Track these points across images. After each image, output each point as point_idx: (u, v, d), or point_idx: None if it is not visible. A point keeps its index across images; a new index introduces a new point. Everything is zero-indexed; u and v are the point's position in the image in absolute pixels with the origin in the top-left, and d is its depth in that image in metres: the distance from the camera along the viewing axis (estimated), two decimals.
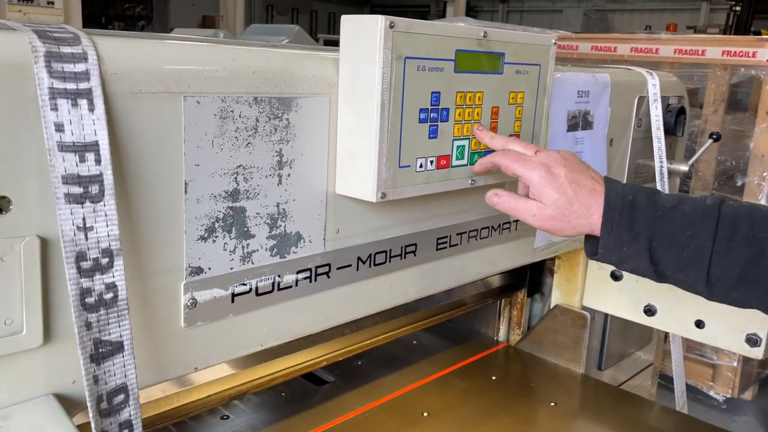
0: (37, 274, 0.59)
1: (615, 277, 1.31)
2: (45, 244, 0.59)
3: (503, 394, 1.25)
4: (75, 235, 0.57)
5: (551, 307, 1.47)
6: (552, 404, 1.22)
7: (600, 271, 1.34)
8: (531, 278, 1.50)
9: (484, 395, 1.24)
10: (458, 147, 0.88)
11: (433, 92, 0.82)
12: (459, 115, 0.86)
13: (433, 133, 0.84)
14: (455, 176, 0.89)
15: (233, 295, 0.76)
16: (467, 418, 1.16)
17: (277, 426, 1.11)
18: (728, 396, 2.43)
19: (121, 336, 0.61)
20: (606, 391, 1.33)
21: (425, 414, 1.16)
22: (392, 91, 0.77)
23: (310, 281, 0.84)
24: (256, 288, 0.78)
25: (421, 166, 0.84)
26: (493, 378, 1.31)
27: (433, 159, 0.85)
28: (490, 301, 1.46)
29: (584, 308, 1.38)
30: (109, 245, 0.60)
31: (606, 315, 1.43)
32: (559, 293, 1.42)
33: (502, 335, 1.51)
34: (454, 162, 0.88)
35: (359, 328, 1.19)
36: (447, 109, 0.85)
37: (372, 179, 0.79)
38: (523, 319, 1.50)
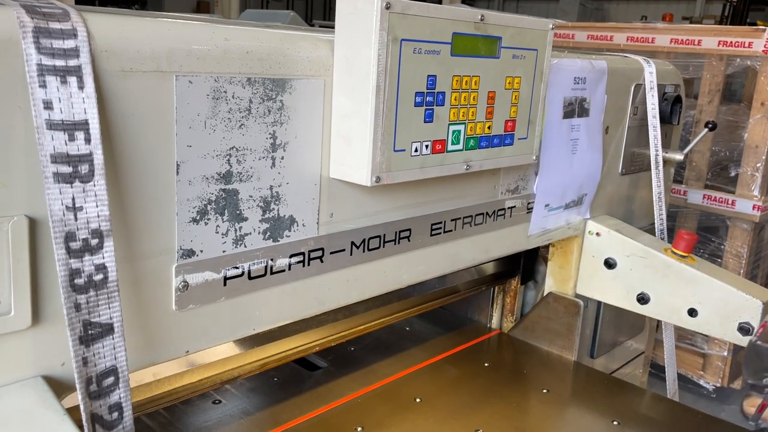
0: (25, 255, 0.58)
1: (609, 264, 1.32)
2: (33, 225, 0.58)
3: (496, 381, 1.25)
4: (64, 215, 0.56)
5: (544, 294, 1.47)
6: (544, 391, 1.22)
7: (593, 259, 1.34)
8: (524, 266, 1.50)
9: (476, 381, 1.24)
10: (454, 132, 0.87)
11: (429, 76, 0.81)
12: (455, 100, 0.85)
13: (429, 117, 0.83)
14: (450, 161, 0.88)
15: (225, 279, 0.75)
16: (460, 403, 1.16)
17: (269, 411, 1.11)
18: (718, 385, 2.45)
19: (111, 318, 0.60)
20: (598, 378, 1.34)
21: (418, 399, 1.16)
22: (388, 74, 0.76)
23: (303, 265, 0.83)
24: (249, 271, 0.77)
25: (416, 151, 0.83)
26: (486, 365, 1.31)
27: (429, 143, 0.84)
28: (484, 288, 1.46)
29: (577, 296, 1.38)
30: (99, 226, 0.59)
31: (599, 303, 1.44)
32: (552, 281, 1.42)
33: (495, 322, 1.51)
34: (450, 147, 0.87)
35: (352, 313, 1.18)
36: (443, 93, 0.84)
37: (366, 163, 0.78)
38: (516, 306, 1.50)
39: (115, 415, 0.61)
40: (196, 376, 0.96)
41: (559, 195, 1.24)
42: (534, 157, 1.03)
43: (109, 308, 0.60)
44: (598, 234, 1.33)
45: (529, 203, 1.18)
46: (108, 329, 0.60)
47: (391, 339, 1.42)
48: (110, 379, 0.60)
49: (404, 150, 0.81)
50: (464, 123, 0.88)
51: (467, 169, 0.91)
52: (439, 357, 1.35)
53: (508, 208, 1.14)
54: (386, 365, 1.30)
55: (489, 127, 0.92)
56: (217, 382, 0.99)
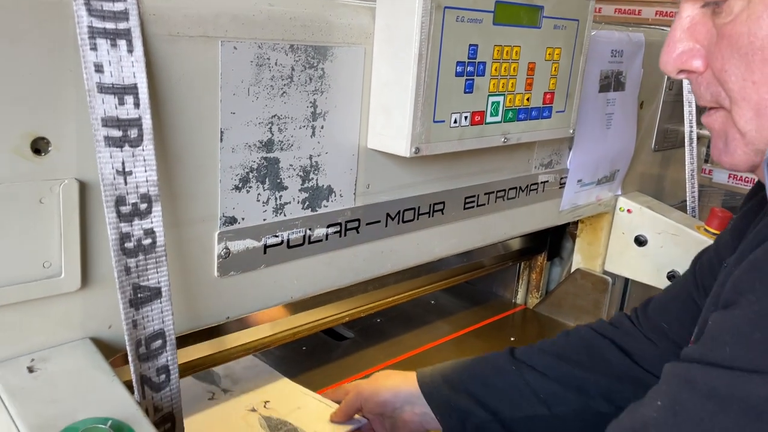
0: (75, 218, 0.58)
1: (639, 242, 1.30)
2: (83, 188, 0.59)
3: None
4: (114, 179, 0.57)
5: (571, 271, 1.47)
6: None
7: (623, 236, 1.33)
8: (551, 242, 1.49)
9: None
10: (493, 103, 0.86)
11: (470, 45, 0.80)
12: (495, 70, 0.84)
13: (469, 88, 0.82)
14: (489, 133, 0.87)
15: (266, 247, 0.75)
16: None
17: (298, 379, 1.12)
18: None
19: (159, 282, 0.60)
20: None
21: None
22: (430, 42, 0.75)
23: (340, 236, 0.84)
24: (288, 240, 0.78)
25: (455, 122, 0.82)
26: (512, 339, 1.32)
27: (468, 114, 0.83)
28: (510, 263, 1.46)
29: (605, 273, 1.37)
30: (148, 191, 0.59)
31: (626, 281, 1.43)
32: (580, 257, 1.41)
33: (520, 298, 1.51)
34: (488, 118, 0.86)
35: (382, 285, 1.19)
36: (484, 63, 0.82)
37: (406, 134, 0.77)
38: (542, 282, 1.50)
39: (163, 377, 0.62)
40: (230, 343, 0.97)
41: (592, 170, 1.22)
42: (571, 131, 1.01)
43: (157, 272, 0.60)
44: (629, 211, 1.32)
45: (561, 178, 1.17)
46: (156, 293, 0.60)
47: (416, 312, 1.42)
48: (158, 342, 0.61)
49: (444, 121, 0.81)
50: (503, 94, 0.87)
51: (504, 142, 0.90)
52: (464, 331, 1.35)
53: (541, 182, 1.13)
54: (412, 338, 1.31)
55: (528, 99, 0.91)
56: (249, 349, 1.00)
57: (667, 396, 0.42)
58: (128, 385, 0.59)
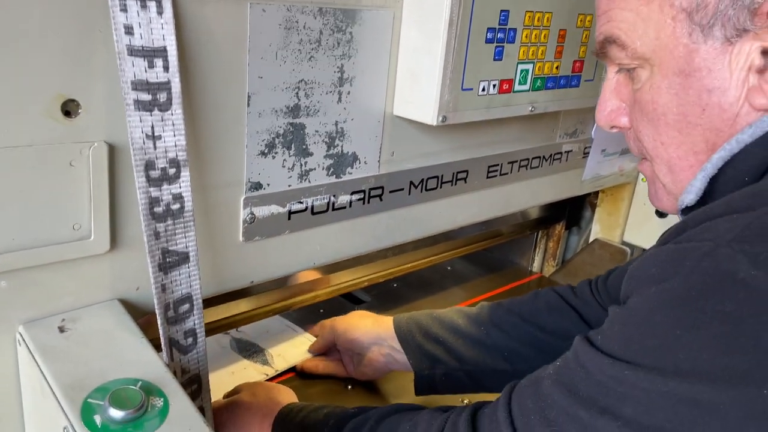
0: (105, 181, 0.58)
1: (660, 213, 1.29)
2: (112, 151, 0.59)
3: None
4: (144, 143, 0.56)
5: (588, 240, 1.46)
6: None
7: (645, 207, 1.32)
8: (570, 211, 1.48)
9: None
10: (522, 71, 0.84)
11: (502, 10, 0.78)
12: (526, 37, 0.82)
13: (499, 55, 0.80)
14: (516, 102, 0.86)
15: (290, 213, 0.75)
16: None
17: None
18: None
19: (186, 247, 0.61)
20: None
21: None
22: (461, 7, 0.73)
23: (364, 203, 0.83)
24: (312, 207, 0.77)
25: (483, 90, 0.81)
26: None
27: (496, 83, 0.82)
28: (529, 232, 1.45)
29: (624, 243, 1.37)
30: (176, 155, 0.59)
31: (643, 251, 1.42)
32: (599, 227, 1.40)
33: (536, 266, 1.51)
34: (517, 87, 0.85)
35: (401, 251, 1.19)
36: (514, 30, 0.80)
37: (434, 101, 0.76)
38: (559, 251, 1.50)
39: (190, 340, 0.63)
40: (253, 304, 0.98)
41: (616, 140, 1.20)
42: None
43: (185, 237, 0.60)
44: None
45: (585, 148, 1.15)
46: (184, 257, 0.61)
47: (433, 277, 1.43)
48: (186, 306, 0.62)
49: (471, 89, 0.79)
50: (533, 62, 0.85)
51: (532, 111, 0.88)
52: (479, 297, 1.36)
53: (565, 152, 1.11)
54: (427, 303, 1.32)
55: (557, 68, 0.89)
56: (270, 311, 1.01)
57: (563, 359, 0.52)
58: (154, 346, 0.60)
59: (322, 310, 1.23)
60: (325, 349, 1.01)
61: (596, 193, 1.39)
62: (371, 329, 0.95)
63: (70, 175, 0.57)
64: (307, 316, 1.20)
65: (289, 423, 0.71)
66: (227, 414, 0.76)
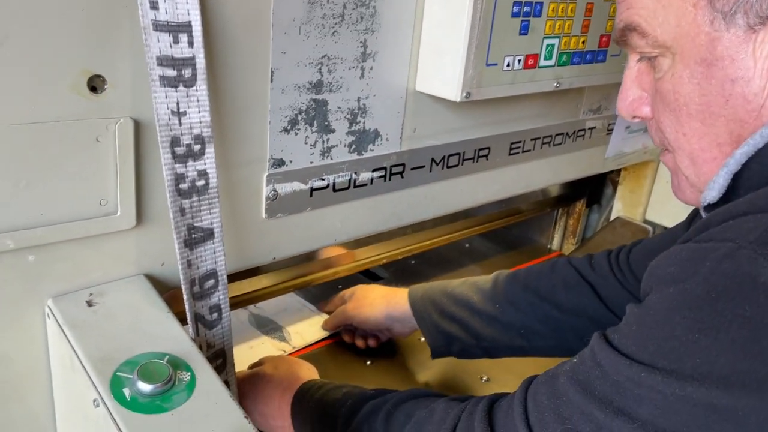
0: (131, 157, 0.59)
1: None
2: (137, 127, 0.59)
3: None
4: (169, 119, 0.56)
5: (609, 218, 1.45)
6: None
7: (668, 185, 1.30)
8: (591, 188, 1.47)
9: None
10: (548, 46, 0.82)
11: None
12: (552, 11, 0.81)
13: (524, 30, 0.79)
14: (541, 78, 0.84)
15: (312, 190, 0.75)
16: None
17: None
18: None
19: (211, 223, 0.61)
20: None
21: None
22: None
23: (385, 180, 0.83)
24: (334, 184, 0.77)
25: (508, 65, 0.79)
26: None
27: (521, 58, 0.80)
28: (549, 209, 1.44)
29: (646, 221, 1.35)
30: (201, 132, 0.59)
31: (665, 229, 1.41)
32: (621, 205, 1.39)
33: (555, 244, 1.50)
34: (542, 62, 0.83)
35: (420, 228, 1.19)
36: (541, 3, 0.79)
37: (458, 77, 0.75)
38: (579, 229, 1.49)
39: (215, 315, 0.63)
40: (272, 280, 0.99)
41: None
42: None
43: (210, 214, 0.61)
44: None
45: (609, 124, 1.14)
46: (209, 234, 0.61)
47: (450, 254, 1.43)
48: (211, 282, 0.62)
49: (496, 64, 0.78)
50: (559, 37, 0.83)
51: (557, 87, 0.87)
52: None
53: (589, 128, 1.10)
54: (445, 279, 1.32)
55: (583, 42, 0.87)
56: (290, 287, 1.02)
57: (580, 357, 0.51)
58: (179, 320, 0.61)
59: (340, 286, 1.24)
60: (337, 329, 1.03)
61: (618, 171, 1.38)
62: (384, 310, 0.95)
63: (97, 151, 0.57)
64: (325, 292, 1.21)
65: (309, 399, 0.72)
66: (249, 385, 0.77)
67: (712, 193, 0.53)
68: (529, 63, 0.82)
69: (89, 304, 0.60)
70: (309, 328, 1.03)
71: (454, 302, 0.89)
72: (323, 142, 0.74)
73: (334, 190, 0.78)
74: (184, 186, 0.58)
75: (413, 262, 1.37)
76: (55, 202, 0.56)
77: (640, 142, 1.25)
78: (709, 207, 0.54)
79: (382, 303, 0.96)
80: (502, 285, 0.89)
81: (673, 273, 0.46)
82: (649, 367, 0.44)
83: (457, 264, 1.39)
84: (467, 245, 1.48)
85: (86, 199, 0.58)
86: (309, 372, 0.82)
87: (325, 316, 1.07)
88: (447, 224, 1.26)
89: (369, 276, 1.29)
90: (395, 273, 1.31)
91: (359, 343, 1.01)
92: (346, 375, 0.96)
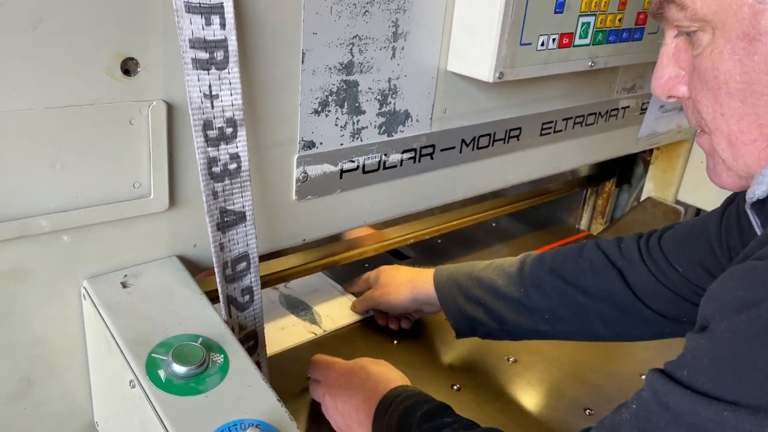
0: (163, 140, 0.59)
1: None
2: (170, 110, 0.58)
3: None
4: (202, 102, 0.56)
5: (638, 198, 1.43)
6: None
7: (702, 164, 1.27)
8: (621, 168, 1.44)
9: None
10: (583, 24, 0.80)
11: None
12: None
13: (560, 8, 0.76)
14: (576, 57, 0.82)
15: (342, 172, 0.75)
16: None
17: (359, 295, 1.14)
18: None
19: (243, 206, 0.61)
20: None
21: None
22: None
23: (414, 161, 0.82)
24: (364, 165, 0.77)
25: (542, 44, 0.77)
26: None
27: (556, 37, 0.78)
28: (578, 189, 1.42)
29: (677, 203, 1.33)
30: (233, 115, 0.58)
31: (696, 211, 1.38)
32: (652, 185, 1.36)
33: (583, 224, 1.48)
34: (577, 41, 0.81)
35: (448, 208, 1.18)
36: None
37: (491, 57, 0.74)
38: (608, 209, 1.46)
39: (247, 297, 0.64)
40: (300, 260, 0.99)
41: None
42: None
43: (242, 197, 0.61)
44: None
45: (643, 103, 1.11)
46: (241, 217, 0.61)
47: (477, 234, 1.42)
48: (243, 264, 0.62)
49: (530, 44, 0.76)
50: (595, 14, 0.81)
51: (592, 66, 0.85)
52: None
53: (622, 108, 1.07)
54: (472, 259, 1.31)
55: (620, 20, 0.84)
56: (318, 266, 1.03)
57: (639, 401, 0.46)
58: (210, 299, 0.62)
59: (367, 265, 1.24)
60: (367, 313, 1.03)
61: (650, 150, 1.35)
62: (410, 294, 0.95)
63: (130, 134, 0.57)
64: (352, 272, 1.21)
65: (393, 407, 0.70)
66: (344, 380, 0.77)
67: (762, 188, 0.49)
68: (564, 42, 0.80)
69: (124, 285, 0.61)
70: (339, 311, 1.03)
71: (479, 285, 0.88)
72: (353, 123, 0.73)
73: (364, 171, 0.77)
74: (216, 170, 0.58)
75: (439, 241, 1.36)
76: (89, 185, 0.57)
77: (674, 122, 1.22)
78: (758, 204, 0.51)
79: (407, 287, 0.95)
80: (528, 268, 0.88)
81: (743, 297, 0.42)
82: (732, 404, 0.40)
83: (483, 244, 1.38)
84: (494, 224, 1.47)
85: (120, 182, 0.58)
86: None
87: (351, 296, 1.07)
88: (475, 204, 1.25)
89: (396, 255, 1.29)
90: (422, 252, 1.31)
91: (392, 325, 1.01)
92: (374, 355, 0.97)
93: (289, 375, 0.90)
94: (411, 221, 1.13)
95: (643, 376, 1.00)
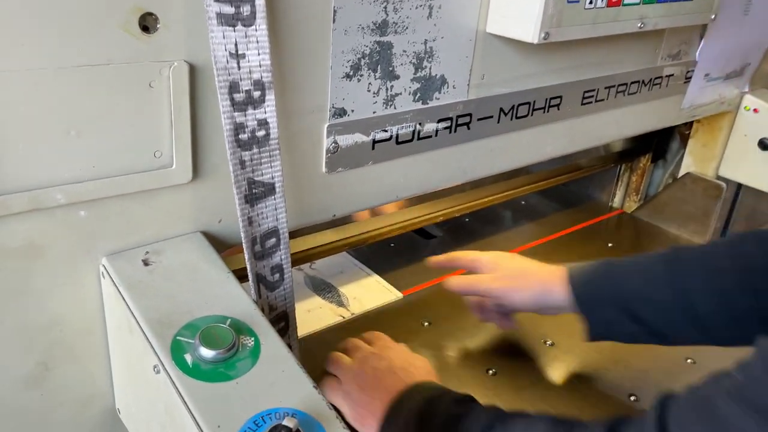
0: (186, 105, 0.54)
1: (764, 145, 1.18)
2: (193, 72, 0.54)
3: None
4: (227, 62, 0.51)
5: (673, 175, 1.36)
6: None
7: (746, 138, 1.20)
8: (657, 142, 1.38)
9: None
10: None
11: None
12: None
13: None
14: (624, 17, 0.76)
15: (374, 142, 0.70)
16: None
17: (389, 276, 1.09)
18: None
19: (272, 177, 0.56)
20: None
21: None
22: None
23: (450, 131, 0.77)
24: (397, 135, 0.72)
25: (590, 2, 0.71)
26: (610, 245, 1.25)
27: None
28: (612, 165, 1.36)
29: (719, 178, 1.26)
30: (261, 77, 0.53)
31: (738, 187, 1.31)
32: (691, 160, 1.30)
33: (617, 201, 1.42)
34: (626, 0, 0.75)
35: (478, 185, 1.13)
36: None
37: (536, 15, 0.68)
38: (643, 185, 1.40)
39: (277, 276, 0.59)
40: (327, 238, 0.95)
41: (722, 63, 1.09)
42: (713, 16, 0.88)
43: (271, 167, 0.56)
44: (755, 110, 1.18)
45: (688, 71, 1.04)
46: (270, 189, 0.56)
47: (505, 212, 1.37)
48: (272, 240, 0.58)
49: (578, 1, 0.70)
50: None
51: (641, 27, 0.79)
52: (557, 234, 1.29)
53: (666, 76, 1.01)
54: (503, 239, 1.26)
55: None
56: (344, 245, 0.98)
57: (744, 370, 0.42)
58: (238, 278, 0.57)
59: (392, 244, 1.19)
60: (463, 293, 0.87)
61: (689, 123, 1.28)
62: (538, 298, 0.80)
63: (150, 98, 0.52)
64: (377, 252, 1.16)
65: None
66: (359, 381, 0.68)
67: None
68: (613, 0, 0.73)
69: (145, 263, 0.56)
70: (367, 294, 0.99)
71: (623, 289, 0.75)
72: (387, 89, 0.68)
73: (398, 142, 0.72)
74: (243, 136, 0.53)
75: (467, 219, 1.31)
76: (107, 154, 0.52)
77: (718, 91, 1.15)
78: None
79: (537, 287, 0.80)
80: (680, 267, 0.74)
81: None
82: None
83: (512, 222, 1.33)
84: (523, 202, 1.41)
85: (140, 151, 0.54)
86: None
87: (379, 279, 1.01)
88: (504, 181, 1.19)
89: (421, 233, 1.24)
90: (449, 231, 1.26)
91: (502, 324, 0.88)
92: (403, 337, 0.92)
93: (319, 359, 0.86)
94: (438, 199, 1.08)
95: (689, 360, 0.96)
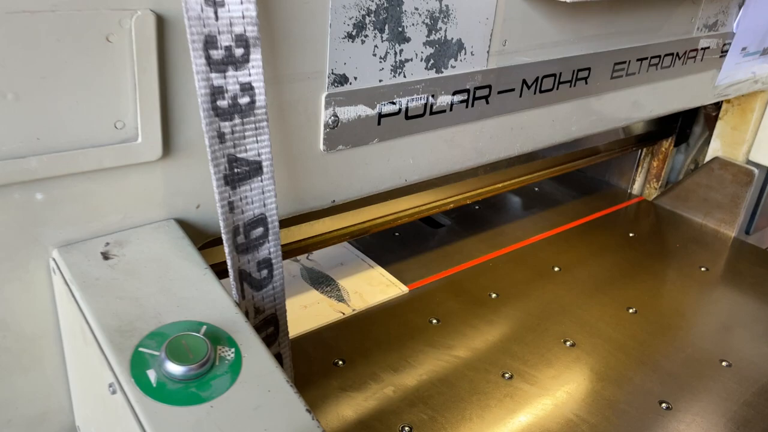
0: (153, 65, 0.44)
1: None
2: (160, 23, 0.44)
3: (644, 254, 1.10)
4: (202, 11, 0.41)
5: (696, 160, 1.27)
6: (702, 269, 1.06)
7: None
8: (681, 125, 1.28)
9: (621, 253, 1.10)
10: None
11: None
12: None
13: None
14: None
15: (380, 116, 0.60)
16: (605, 276, 1.02)
17: (393, 268, 1.01)
18: None
19: (259, 154, 0.47)
20: None
21: (556, 269, 1.03)
22: None
23: (467, 106, 0.67)
24: (407, 109, 0.62)
25: None
26: (631, 235, 1.16)
27: None
28: (633, 149, 1.26)
29: (749, 163, 1.17)
30: (245, 30, 0.44)
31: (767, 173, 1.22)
32: (719, 143, 1.20)
33: (636, 188, 1.33)
34: None
35: (492, 169, 1.03)
36: None
37: None
38: (665, 171, 1.31)
39: (265, 272, 0.50)
40: (327, 227, 0.85)
41: (760, 36, 0.99)
42: None
43: (257, 142, 0.46)
44: None
45: (724, 44, 0.94)
46: (256, 168, 0.47)
47: (517, 200, 1.27)
48: (259, 230, 0.48)
49: None
50: None
51: None
52: (574, 223, 1.20)
53: (701, 49, 0.91)
54: (515, 228, 1.17)
55: None
56: (345, 234, 0.88)
57: None
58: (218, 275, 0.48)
59: (397, 234, 1.10)
60: None
61: (717, 104, 1.18)
62: None
63: (108, 55, 0.43)
64: (381, 242, 1.07)
65: None
66: None
67: None
68: None
69: (105, 256, 0.47)
70: (369, 287, 0.90)
71: None
72: (396, 54, 0.58)
73: (407, 117, 0.62)
74: (222, 103, 0.44)
75: (477, 207, 1.22)
76: (55, 124, 0.43)
77: (753, 69, 1.05)
78: None
79: None
80: None
81: None
82: None
83: (525, 210, 1.24)
84: (536, 189, 1.32)
85: (96, 121, 0.44)
86: None
87: (382, 271, 0.92)
88: (518, 165, 1.10)
89: (428, 222, 1.14)
90: (458, 219, 1.17)
91: None
92: (408, 334, 0.84)
93: (314, 360, 0.77)
94: (446, 184, 0.98)
95: (724, 363, 0.87)
